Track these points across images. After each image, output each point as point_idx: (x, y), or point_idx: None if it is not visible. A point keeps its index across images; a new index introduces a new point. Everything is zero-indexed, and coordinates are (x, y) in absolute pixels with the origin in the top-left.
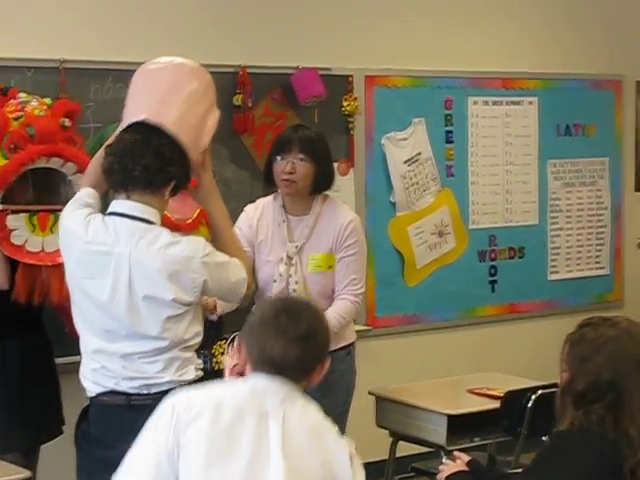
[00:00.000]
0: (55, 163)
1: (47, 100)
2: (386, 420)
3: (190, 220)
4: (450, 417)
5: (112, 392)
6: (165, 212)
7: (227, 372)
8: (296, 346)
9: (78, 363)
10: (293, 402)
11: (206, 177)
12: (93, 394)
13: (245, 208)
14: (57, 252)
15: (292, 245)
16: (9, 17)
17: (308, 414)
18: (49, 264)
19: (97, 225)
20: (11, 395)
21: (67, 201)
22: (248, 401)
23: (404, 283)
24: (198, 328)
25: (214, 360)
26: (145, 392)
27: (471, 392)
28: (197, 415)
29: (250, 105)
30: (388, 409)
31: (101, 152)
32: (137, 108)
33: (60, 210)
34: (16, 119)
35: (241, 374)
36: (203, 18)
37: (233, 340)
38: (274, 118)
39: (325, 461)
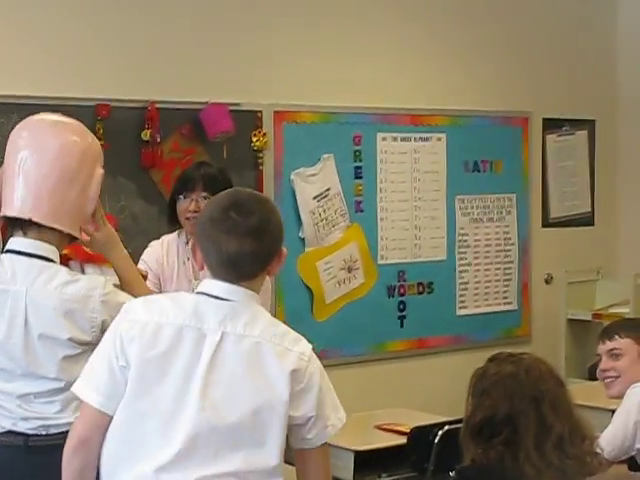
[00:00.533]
0: None
1: None
2: (292, 456)
3: None
4: (357, 453)
5: (10, 432)
6: (79, 243)
7: None
8: (250, 240)
9: None
10: (236, 321)
11: (104, 229)
12: None
13: (151, 243)
14: None
15: (197, 282)
16: None
17: (251, 332)
18: None
19: None
20: None
21: None
22: (188, 322)
23: (313, 318)
24: None
25: None
26: (44, 433)
27: (379, 428)
28: (135, 336)
29: (158, 140)
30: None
31: None
32: (9, 196)
33: None
34: None
35: None
36: (112, 53)
37: None
38: (183, 153)
39: (261, 386)
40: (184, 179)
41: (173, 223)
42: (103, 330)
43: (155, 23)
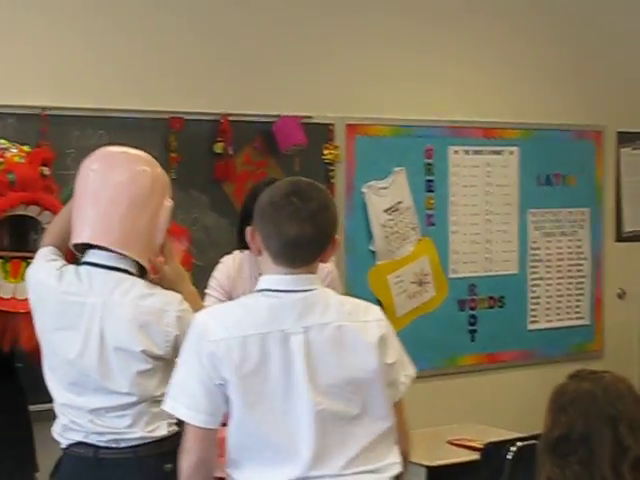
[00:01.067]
0: (32, 211)
1: (26, 148)
2: None
3: None
4: (429, 468)
5: (81, 444)
6: None
7: None
8: (310, 224)
9: (52, 411)
10: (312, 312)
11: (172, 264)
12: (64, 446)
13: (222, 259)
14: (28, 300)
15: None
16: None
17: (329, 318)
18: (21, 311)
19: (70, 276)
20: None
21: (37, 249)
22: (268, 328)
23: None
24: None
25: None
26: (114, 446)
27: (451, 443)
28: (224, 356)
29: (231, 153)
30: None
31: (64, 211)
32: (80, 223)
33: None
34: None
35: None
36: (186, 66)
37: None
38: (255, 166)
39: (355, 364)
40: (255, 198)
41: (243, 241)
42: (176, 345)
43: (229, 37)
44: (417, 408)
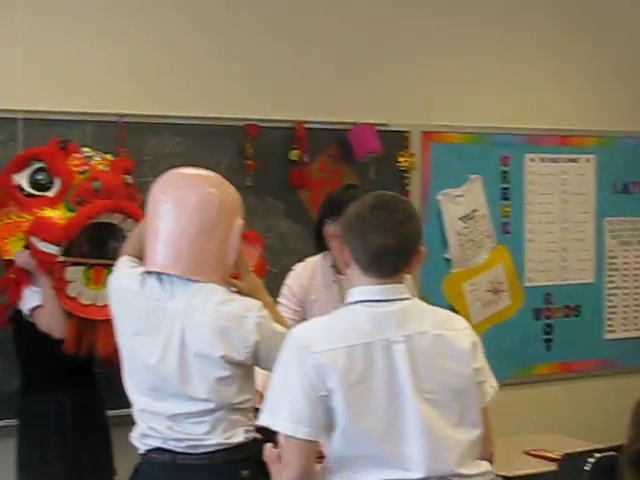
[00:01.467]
0: (116, 219)
1: (109, 156)
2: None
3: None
4: (507, 479)
5: (159, 449)
6: None
7: None
8: (395, 235)
9: (130, 416)
10: (410, 321)
11: (248, 278)
12: (142, 451)
13: (294, 267)
14: (108, 306)
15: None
16: (70, 72)
17: (426, 327)
18: (100, 318)
19: (152, 282)
20: (67, 449)
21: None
22: (370, 337)
23: None
24: (249, 396)
25: None
26: (191, 452)
27: (527, 454)
28: (329, 367)
29: (306, 160)
30: None
31: (141, 225)
32: (151, 251)
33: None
34: (81, 173)
35: None
36: (261, 74)
37: None
38: (330, 173)
39: (453, 371)
40: (332, 202)
41: (320, 246)
42: (255, 352)
43: (303, 45)
44: (492, 417)
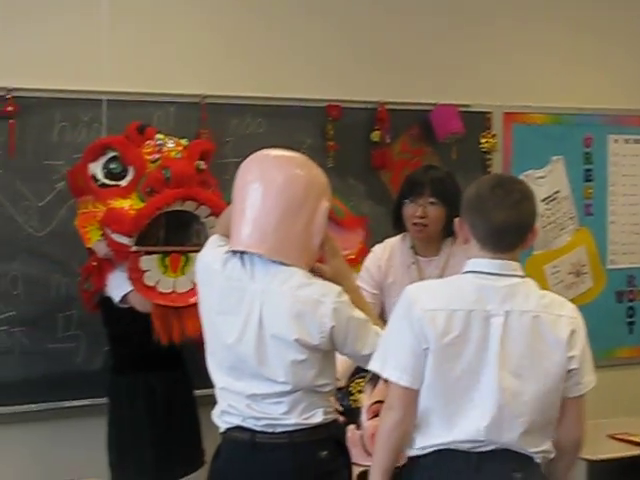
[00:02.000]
0: (189, 206)
1: (183, 141)
2: None
3: (353, 255)
4: (591, 462)
5: (238, 428)
6: None
7: (364, 411)
8: (514, 212)
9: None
10: (514, 298)
11: (334, 262)
12: (222, 430)
13: (373, 249)
14: (189, 293)
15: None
16: (153, 54)
17: (528, 307)
18: (181, 305)
19: (235, 262)
20: (159, 428)
21: (198, 243)
22: (473, 306)
23: None
24: (327, 380)
25: (351, 398)
26: (270, 431)
27: (612, 437)
28: (430, 324)
29: (388, 141)
30: None
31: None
32: (237, 230)
33: (191, 251)
34: (153, 162)
35: (377, 414)
36: (343, 55)
37: (371, 379)
38: (412, 154)
39: (544, 354)
40: (412, 183)
41: (399, 226)
42: (332, 337)
43: (385, 26)
44: None
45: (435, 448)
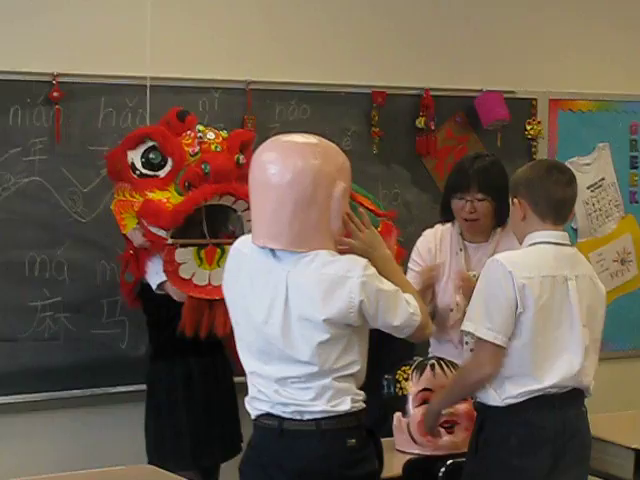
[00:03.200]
0: (227, 200)
1: (223, 133)
2: None
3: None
4: (638, 452)
5: (268, 415)
6: None
7: (411, 399)
8: (569, 189)
9: None
10: (577, 264)
11: (362, 236)
12: (253, 417)
13: (424, 232)
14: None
15: (470, 274)
16: (198, 39)
17: (585, 271)
18: (216, 298)
19: (259, 248)
20: (197, 414)
21: (235, 236)
22: (554, 272)
23: None
24: (354, 357)
25: (398, 386)
26: (298, 418)
27: None
28: (528, 290)
29: (433, 128)
30: None
31: None
32: (256, 225)
33: (227, 244)
34: (193, 155)
35: (425, 400)
36: (388, 41)
37: (418, 366)
38: (457, 141)
39: (597, 305)
40: (458, 177)
41: (447, 217)
42: (361, 311)
43: (431, 13)
44: (618, 389)
45: (529, 396)
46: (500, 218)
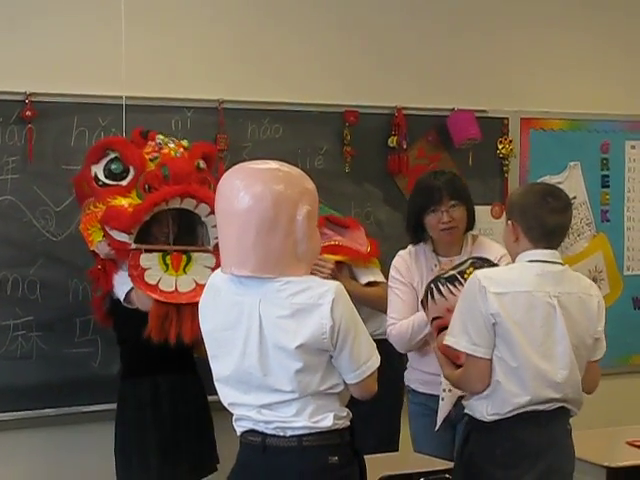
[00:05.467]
0: (189, 204)
1: (184, 142)
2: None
3: (369, 249)
4: (609, 469)
5: (252, 431)
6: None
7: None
8: (563, 216)
9: None
10: (563, 282)
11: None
12: (239, 433)
13: (399, 253)
14: (192, 292)
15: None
16: (171, 59)
17: (573, 289)
18: (183, 302)
19: (233, 278)
20: (165, 432)
21: (202, 243)
22: (534, 287)
23: None
24: (335, 381)
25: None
26: (280, 434)
27: (630, 444)
28: (498, 305)
29: (405, 147)
30: None
31: None
32: (223, 252)
33: (192, 251)
34: (152, 160)
35: (440, 328)
36: (360, 60)
37: (422, 301)
38: (428, 160)
39: (585, 322)
40: (427, 192)
41: (419, 238)
42: (332, 336)
43: (402, 31)
44: (592, 407)
45: (515, 412)
46: (469, 222)
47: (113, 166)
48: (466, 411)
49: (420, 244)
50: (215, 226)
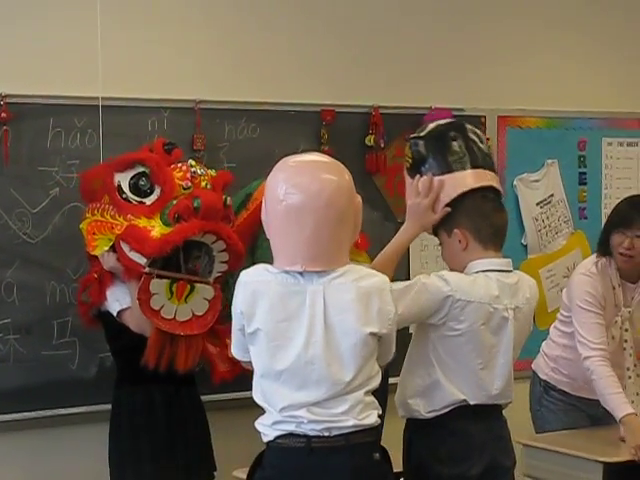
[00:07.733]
0: (209, 239)
1: (212, 172)
2: (534, 469)
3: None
4: (606, 465)
5: (291, 435)
6: None
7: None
8: (505, 214)
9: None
10: (518, 290)
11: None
12: (271, 438)
13: (588, 269)
14: (189, 322)
15: (626, 310)
16: (146, 58)
17: (526, 295)
18: (180, 333)
19: (279, 271)
20: (158, 443)
21: (205, 275)
22: (496, 300)
23: (535, 326)
24: (377, 367)
25: None
26: (326, 435)
27: (623, 440)
28: (461, 314)
29: (382, 146)
30: (537, 457)
31: None
32: (282, 249)
33: (199, 282)
34: (185, 188)
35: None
36: (337, 59)
37: None
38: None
39: (525, 329)
40: (622, 215)
41: (604, 251)
42: (394, 321)
43: (379, 29)
44: None
45: (452, 407)
46: None
47: (141, 182)
48: (402, 415)
49: (605, 262)
50: (225, 262)
